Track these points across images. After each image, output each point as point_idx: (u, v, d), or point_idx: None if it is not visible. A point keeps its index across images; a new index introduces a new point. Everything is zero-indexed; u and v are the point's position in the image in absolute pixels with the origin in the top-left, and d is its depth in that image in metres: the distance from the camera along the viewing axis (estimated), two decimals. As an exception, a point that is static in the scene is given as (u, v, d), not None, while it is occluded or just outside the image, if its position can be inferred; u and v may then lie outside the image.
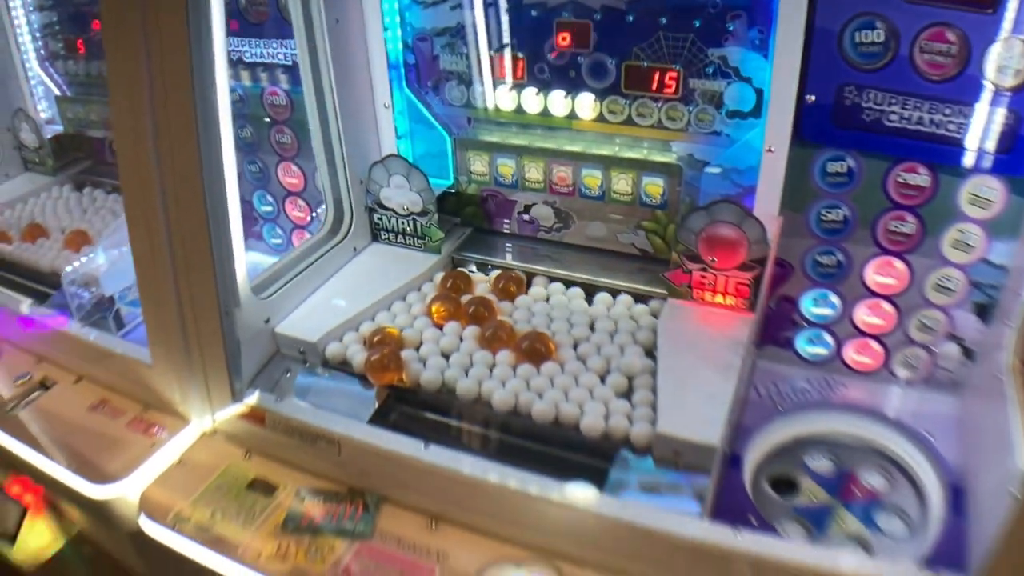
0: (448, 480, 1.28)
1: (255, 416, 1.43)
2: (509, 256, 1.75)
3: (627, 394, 1.38)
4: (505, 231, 1.80)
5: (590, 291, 1.64)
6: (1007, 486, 1.06)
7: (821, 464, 1.44)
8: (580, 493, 1.22)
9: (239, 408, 1.44)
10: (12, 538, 1.81)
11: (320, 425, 1.36)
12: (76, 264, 1.80)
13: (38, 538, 1.84)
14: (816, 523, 1.33)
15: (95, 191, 2.39)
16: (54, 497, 1.75)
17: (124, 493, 1.43)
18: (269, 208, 1.99)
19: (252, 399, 1.44)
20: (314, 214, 1.96)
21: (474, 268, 1.74)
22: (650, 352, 1.45)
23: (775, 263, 1.50)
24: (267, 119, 1.87)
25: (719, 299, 1.48)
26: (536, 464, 1.27)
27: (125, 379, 1.60)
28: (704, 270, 1.46)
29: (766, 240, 1.40)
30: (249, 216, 1.99)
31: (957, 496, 1.32)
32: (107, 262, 1.84)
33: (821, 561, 1.12)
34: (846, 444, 1.48)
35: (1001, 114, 1.30)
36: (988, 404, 1.34)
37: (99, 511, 1.47)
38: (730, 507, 1.31)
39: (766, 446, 1.47)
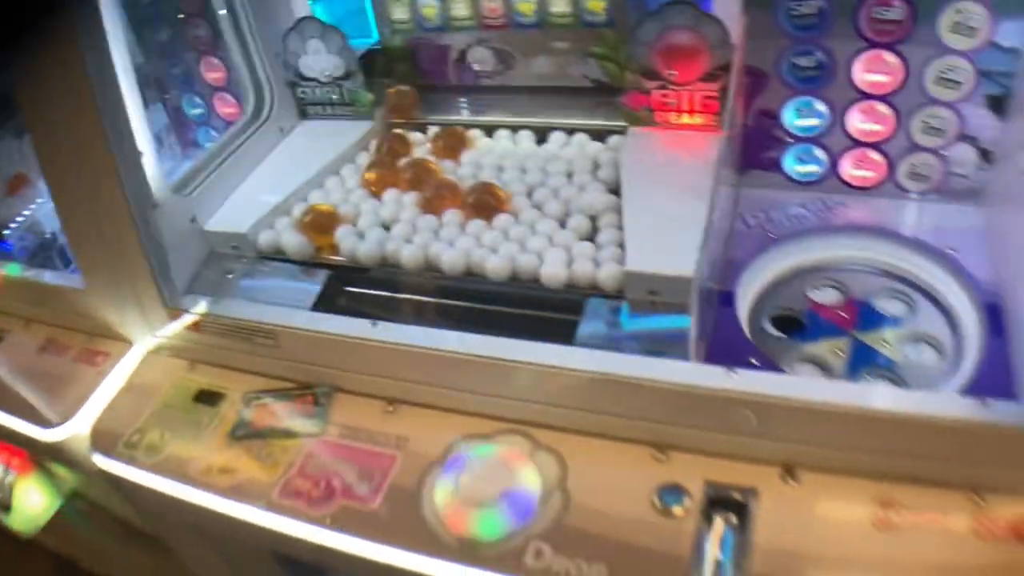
0: (401, 357, 1.15)
1: (194, 324, 1.31)
2: (451, 111, 1.58)
3: (591, 236, 1.22)
4: (444, 85, 1.62)
5: (544, 135, 1.47)
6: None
7: (828, 296, 1.28)
8: (546, 350, 1.08)
9: (177, 318, 1.32)
10: (7, 507, 1.75)
11: (254, 319, 1.24)
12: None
13: (32, 502, 1.79)
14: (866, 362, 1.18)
15: (35, 134, 2.26)
16: (40, 457, 1.67)
17: (78, 431, 1.35)
18: (199, 110, 1.82)
19: (188, 307, 1.31)
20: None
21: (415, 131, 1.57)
22: (615, 189, 1.27)
23: (747, 72, 1.32)
24: (180, 16, 1.70)
25: (686, 119, 1.28)
26: (497, 327, 1.14)
27: (66, 312, 1.51)
28: (664, 88, 1.27)
29: (729, 42, 1.21)
30: (184, 123, 1.85)
31: (993, 315, 1.16)
32: (44, 199, 1.75)
33: (838, 396, 0.98)
34: (854, 270, 1.32)
35: None
36: (1016, 207, 1.17)
37: (62, 456, 1.40)
38: (728, 349, 1.17)
39: (763, 279, 1.32)
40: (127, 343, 1.43)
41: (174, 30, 1.73)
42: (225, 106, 1.73)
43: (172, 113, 1.83)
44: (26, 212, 1.77)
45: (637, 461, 1.06)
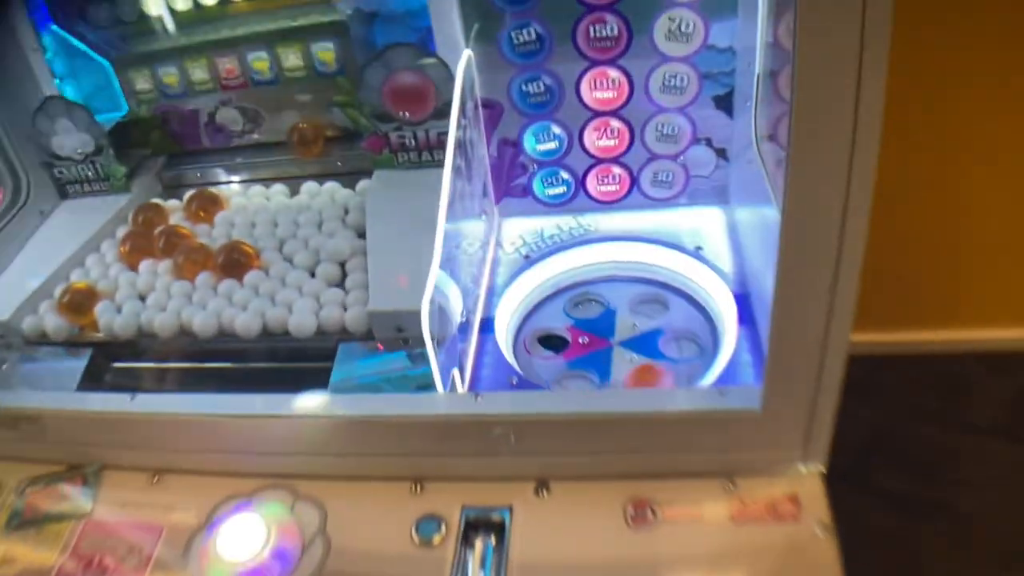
0: (161, 427, 1.15)
1: (-33, 418, 1.29)
2: (209, 174, 1.58)
3: (341, 283, 1.24)
4: (199, 148, 1.60)
5: (297, 186, 1.48)
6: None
7: (589, 310, 1.34)
8: (298, 401, 1.09)
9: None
10: None
11: (16, 406, 1.21)
12: None
13: None
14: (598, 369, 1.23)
15: None
16: None
17: None
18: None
19: (-45, 400, 1.29)
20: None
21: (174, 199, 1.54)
22: (363, 233, 1.30)
23: (484, 105, 1.36)
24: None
25: (426, 156, 1.33)
26: (254, 384, 1.15)
27: None
28: (400, 129, 1.30)
29: (453, 78, 1.25)
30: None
31: (742, 305, 1.22)
32: None
33: (580, 404, 1.03)
34: (615, 279, 1.37)
35: None
36: (750, 199, 1.24)
37: None
38: (492, 373, 1.21)
39: (523, 301, 1.36)
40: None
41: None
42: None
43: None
44: None
45: (395, 498, 1.07)
